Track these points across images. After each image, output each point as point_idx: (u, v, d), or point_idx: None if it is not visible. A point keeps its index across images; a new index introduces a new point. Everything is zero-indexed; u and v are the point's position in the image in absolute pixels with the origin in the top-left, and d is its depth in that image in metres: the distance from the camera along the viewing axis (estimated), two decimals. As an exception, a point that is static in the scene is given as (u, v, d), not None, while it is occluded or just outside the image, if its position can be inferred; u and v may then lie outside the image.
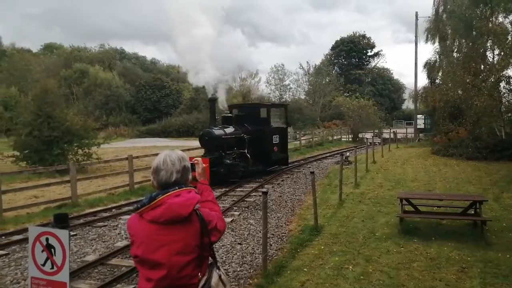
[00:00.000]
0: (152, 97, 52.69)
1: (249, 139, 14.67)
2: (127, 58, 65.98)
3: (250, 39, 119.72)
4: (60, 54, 62.68)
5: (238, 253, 6.74)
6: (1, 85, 38.97)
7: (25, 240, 7.60)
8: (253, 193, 11.85)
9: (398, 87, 66.59)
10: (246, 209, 10.00)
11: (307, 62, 67.83)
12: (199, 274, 2.10)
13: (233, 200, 10.89)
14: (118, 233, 8.10)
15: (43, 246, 2.85)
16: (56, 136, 17.69)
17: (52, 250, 2.82)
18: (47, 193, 12.97)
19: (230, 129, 14.46)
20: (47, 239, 2.84)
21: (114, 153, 24.39)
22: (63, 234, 2.79)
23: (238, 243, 7.26)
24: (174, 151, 2.23)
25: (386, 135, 31.24)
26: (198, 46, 13.99)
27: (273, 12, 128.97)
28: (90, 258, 6.58)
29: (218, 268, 2.26)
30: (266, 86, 64.82)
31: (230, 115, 15.54)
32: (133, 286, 5.36)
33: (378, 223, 8.25)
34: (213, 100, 14.31)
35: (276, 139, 15.96)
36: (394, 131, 33.17)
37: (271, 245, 7.02)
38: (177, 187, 2.08)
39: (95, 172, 17.87)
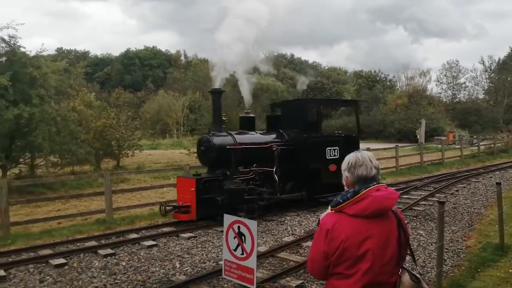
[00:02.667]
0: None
1: (283, 152, 9.89)
2: (294, 63, 69.10)
3: (414, 35, 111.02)
4: (233, 62, 69.54)
5: (407, 264, 6.36)
6: (188, 91, 45.53)
7: (208, 226, 8.73)
8: (422, 202, 11.00)
9: None
10: (414, 218, 9.36)
11: (490, 56, 59.36)
12: (399, 272, 2.10)
13: (399, 207, 10.30)
14: (285, 229, 8.56)
15: (235, 233, 3.22)
16: (230, 135, 19.73)
17: (243, 237, 3.17)
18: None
19: (247, 136, 9.98)
20: (238, 227, 3.20)
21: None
22: (252, 224, 3.11)
23: (407, 254, 6.84)
24: (364, 151, 2.26)
25: None
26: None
27: (440, 5, 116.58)
28: (262, 249, 7.13)
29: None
30: (436, 85, 59.42)
31: (251, 116, 10.79)
32: (300, 281, 5.58)
33: None
34: (218, 93, 9.69)
35: (332, 152, 10.58)
36: None
37: (445, 260, 6.40)
38: (375, 182, 2.11)
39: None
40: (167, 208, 8.81)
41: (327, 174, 10.34)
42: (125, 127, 19.20)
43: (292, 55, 73.18)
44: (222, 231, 8.16)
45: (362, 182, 2.13)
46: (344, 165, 2.24)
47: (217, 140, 9.25)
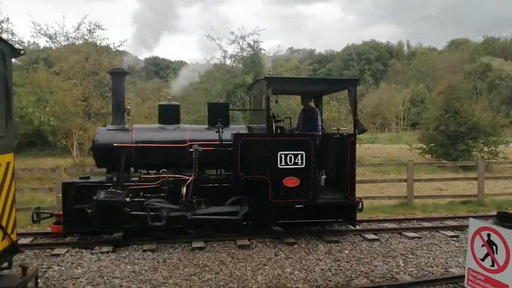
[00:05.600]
0: None
1: (211, 155, 7.33)
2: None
3: None
4: (465, 49, 61.78)
5: None
6: (411, 83, 43.15)
7: (435, 228, 8.11)
8: None
9: None
10: None
11: None
12: None
13: None
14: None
15: (483, 241, 2.86)
16: (462, 131, 17.74)
17: (494, 247, 2.78)
18: (450, 187, 13.26)
19: (153, 132, 7.67)
20: (488, 235, 2.82)
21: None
22: (508, 234, 2.68)
23: None
24: None
25: None
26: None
27: None
28: (503, 264, 6.14)
29: None
30: None
31: (174, 104, 8.00)
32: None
33: None
34: (119, 75, 7.68)
35: (291, 159, 7.14)
36: None
37: None
38: None
39: (500, 172, 16.58)
40: (43, 214, 7.17)
41: (280, 190, 7.08)
42: (345, 121, 19.68)
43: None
44: (452, 236, 7.51)
45: None
46: None
47: (101, 136, 7.37)
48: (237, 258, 6.37)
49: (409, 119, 39.81)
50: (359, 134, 7.51)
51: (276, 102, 11.12)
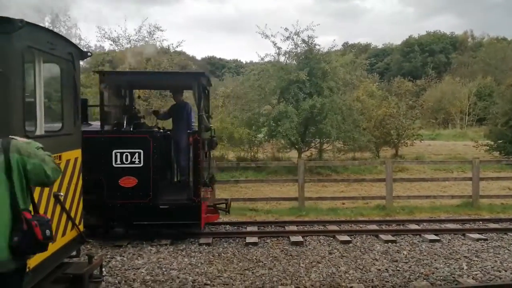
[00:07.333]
0: None
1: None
2: None
3: None
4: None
5: None
6: (477, 76, 40.38)
7: (503, 230, 7.59)
8: None
9: None
10: None
11: None
12: None
13: None
14: None
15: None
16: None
17: None
18: (521, 187, 12.31)
19: None
20: None
21: None
22: None
23: None
24: None
25: None
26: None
27: None
28: None
29: None
30: None
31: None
32: None
33: None
34: None
35: (127, 158, 6.69)
36: None
37: None
38: None
39: None
40: None
41: (116, 190, 6.65)
42: (404, 116, 18.92)
43: None
44: (524, 239, 6.98)
45: None
46: None
47: None
48: (291, 255, 6.37)
49: (475, 114, 37.31)
50: (204, 131, 7.07)
51: (139, 97, 10.22)
